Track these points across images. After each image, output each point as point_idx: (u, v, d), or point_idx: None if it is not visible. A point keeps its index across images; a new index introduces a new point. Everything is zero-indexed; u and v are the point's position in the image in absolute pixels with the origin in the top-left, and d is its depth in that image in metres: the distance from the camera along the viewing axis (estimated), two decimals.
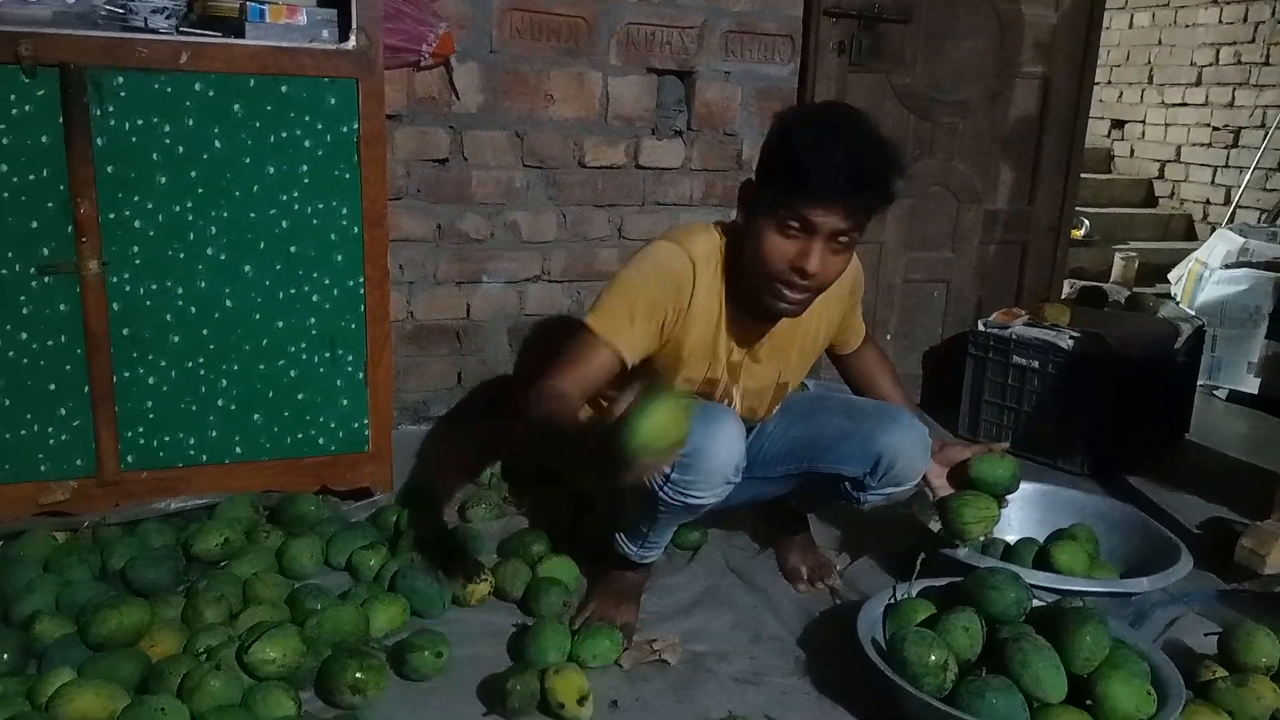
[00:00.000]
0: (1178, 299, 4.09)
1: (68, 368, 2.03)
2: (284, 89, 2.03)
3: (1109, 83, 6.26)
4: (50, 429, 2.05)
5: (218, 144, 2.02)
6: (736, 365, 1.81)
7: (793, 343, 1.84)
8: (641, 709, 1.70)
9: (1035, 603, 1.73)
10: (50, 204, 1.94)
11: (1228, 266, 3.89)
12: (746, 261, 1.64)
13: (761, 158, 1.65)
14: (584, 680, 1.62)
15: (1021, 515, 2.27)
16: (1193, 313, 3.49)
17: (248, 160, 2.05)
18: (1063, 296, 3.56)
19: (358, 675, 1.63)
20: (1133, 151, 6.27)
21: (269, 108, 2.03)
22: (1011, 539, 2.19)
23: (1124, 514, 2.27)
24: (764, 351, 1.82)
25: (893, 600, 1.80)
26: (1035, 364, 2.96)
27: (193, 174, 2.02)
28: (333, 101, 2.07)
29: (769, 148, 1.62)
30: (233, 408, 2.17)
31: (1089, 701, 1.54)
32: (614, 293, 1.68)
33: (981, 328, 3.09)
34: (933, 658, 1.57)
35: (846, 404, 1.96)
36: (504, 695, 1.60)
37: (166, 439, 2.14)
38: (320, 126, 2.07)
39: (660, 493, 1.64)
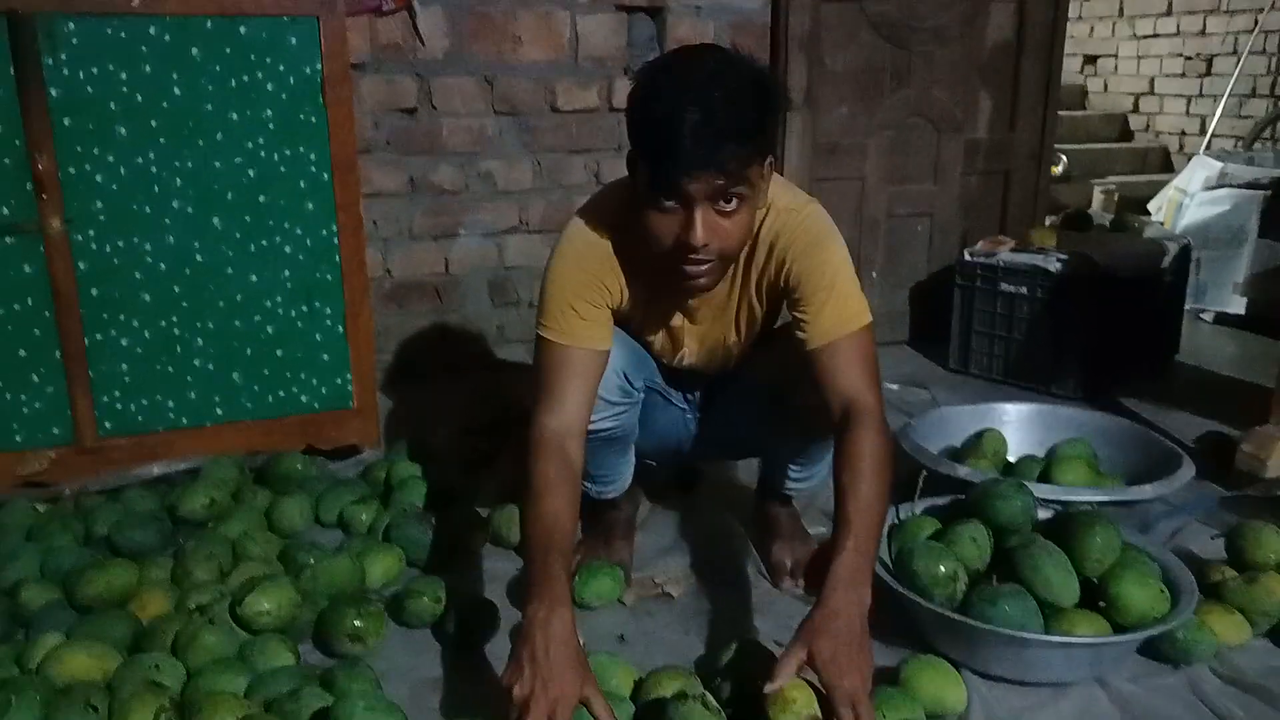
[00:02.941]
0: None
1: (37, 332, 1.97)
2: (243, 30, 1.96)
3: (1079, 18, 6.21)
4: (24, 397, 1.99)
5: (177, 91, 1.95)
6: (678, 330, 1.70)
7: (731, 304, 1.68)
8: (648, 642, 1.66)
9: (1041, 514, 1.71)
10: (7, 160, 1.87)
11: (1208, 189, 3.86)
12: (641, 240, 1.48)
13: (627, 124, 1.46)
14: None
15: (1020, 435, 2.25)
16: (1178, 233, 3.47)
17: (209, 107, 1.98)
18: (1047, 223, 3.53)
19: (356, 623, 1.59)
20: (1106, 86, 6.24)
21: (228, 50, 1.96)
22: (1012, 458, 2.17)
23: (1122, 427, 2.25)
24: (702, 315, 1.69)
25: (897, 520, 1.77)
26: (1024, 290, 2.93)
27: (153, 123, 1.95)
28: (294, 41, 2.00)
29: (627, 116, 1.44)
30: (210, 367, 2.11)
31: (1102, 604, 1.52)
32: (550, 295, 1.55)
33: (968, 257, 3.05)
34: (942, 569, 1.54)
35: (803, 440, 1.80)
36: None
37: (144, 402, 2.08)
38: (282, 69, 2.01)
39: None
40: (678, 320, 1.69)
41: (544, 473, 1.44)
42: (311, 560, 1.77)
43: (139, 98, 1.93)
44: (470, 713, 1.45)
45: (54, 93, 1.87)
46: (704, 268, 1.45)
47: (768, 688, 1.26)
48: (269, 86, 2.00)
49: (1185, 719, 1.44)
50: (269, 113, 2.01)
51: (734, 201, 1.39)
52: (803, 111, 3.07)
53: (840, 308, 1.52)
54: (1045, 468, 2.05)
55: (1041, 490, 1.81)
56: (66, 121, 1.89)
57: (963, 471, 1.95)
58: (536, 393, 1.54)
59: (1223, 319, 3.73)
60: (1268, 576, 1.66)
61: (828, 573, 1.33)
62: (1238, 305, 3.66)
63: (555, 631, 1.24)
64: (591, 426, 1.58)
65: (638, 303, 1.63)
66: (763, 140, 1.41)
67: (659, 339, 1.73)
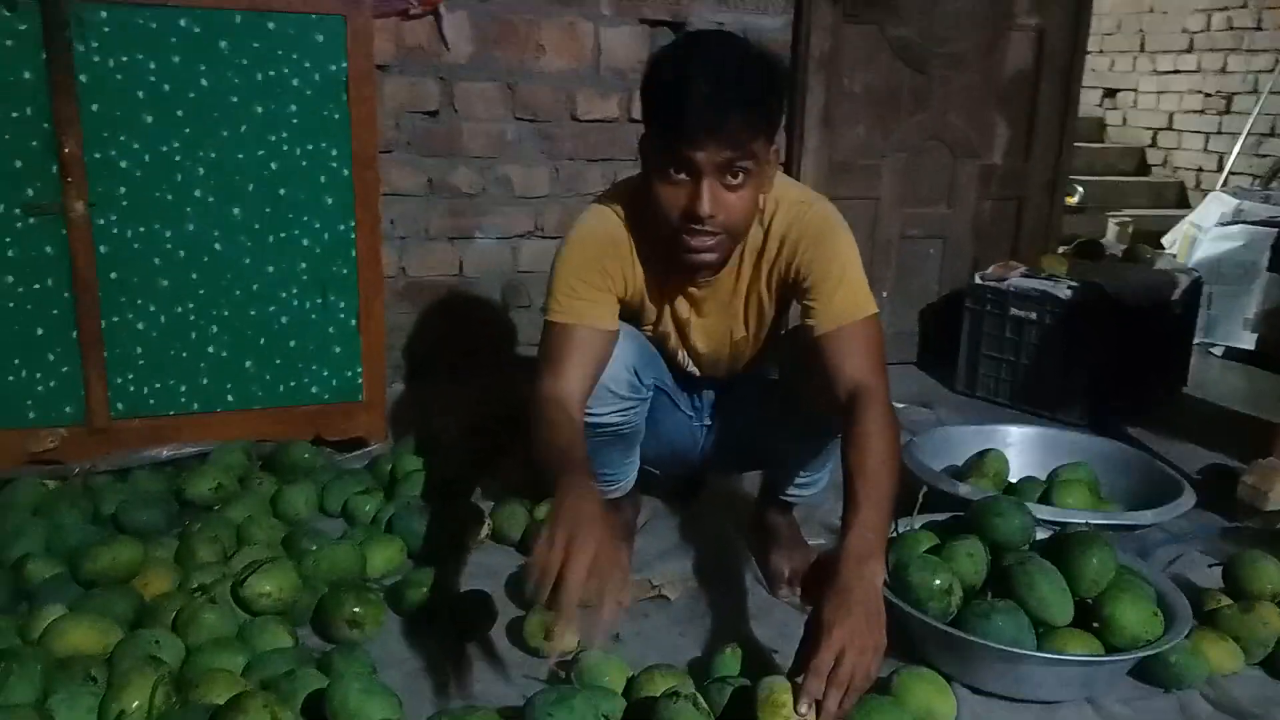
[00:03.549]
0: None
1: (55, 312, 2.00)
2: (271, 25, 2.00)
3: (1100, 51, 6.23)
4: (38, 375, 2.02)
5: (204, 82, 1.98)
6: (684, 321, 1.72)
7: (739, 296, 1.70)
8: (643, 642, 1.67)
9: (1040, 535, 1.71)
10: (34, 143, 1.90)
11: (1223, 225, 3.87)
12: (651, 221, 1.54)
13: (641, 105, 1.53)
14: (550, 617, 1.58)
15: (1022, 457, 2.26)
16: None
17: (235, 99, 2.01)
18: (1059, 252, 3.54)
19: (355, 609, 1.60)
20: (1125, 120, 6.26)
21: (256, 45, 2.00)
22: (1013, 479, 2.17)
23: (1124, 454, 2.26)
24: (709, 307, 1.71)
25: (895, 534, 1.78)
26: (1033, 315, 2.94)
27: (179, 113, 1.98)
28: (320, 39, 2.03)
29: (641, 92, 1.50)
30: (224, 354, 2.14)
31: (1095, 624, 1.53)
32: (556, 277, 1.59)
33: (979, 281, 3.07)
34: (937, 582, 1.55)
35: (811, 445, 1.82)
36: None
37: (157, 386, 2.11)
38: (308, 65, 2.04)
39: None
40: (685, 312, 1.71)
41: (549, 419, 1.47)
42: (314, 547, 1.79)
43: (166, 87, 1.96)
44: (464, 701, 1.47)
45: (83, 79, 1.90)
46: (710, 242, 1.49)
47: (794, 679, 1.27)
48: (294, 82, 2.04)
49: None
50: (293, 108, 2.05)
51: (740, 176, 1.44)
52: (819, 130, 3.09)
53: (849, 295, 1.55)
54: (1046, 490, 2.05)
55: (1041, 511, 1.82)
56: (94, 107, 1.92)
57: (963, 490, 1.96)
58: (539, 370, 1.56)
59: (1232, 354, 3.73)
60: (1263, 607, 1.66)
61: (839, 549, 1.33)
62: (1248, 341, 3.67)
63: (586, 508, 1.26)
64: (599, 419, 1.61)
65: (645, 293, 1.66)
66: (770, 118, 1.45)
67: (669, 334, 1.75)
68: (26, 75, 1.86)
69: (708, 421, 1.91)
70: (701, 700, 1.36)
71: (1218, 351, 3.77)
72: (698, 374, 1.83)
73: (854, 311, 1.55)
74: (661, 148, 1.45)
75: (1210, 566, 1.88)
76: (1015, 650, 1.46)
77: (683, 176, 1.44)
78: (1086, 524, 1.72)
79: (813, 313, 1.57)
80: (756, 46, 1.46)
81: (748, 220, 1.53)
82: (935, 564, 1.58)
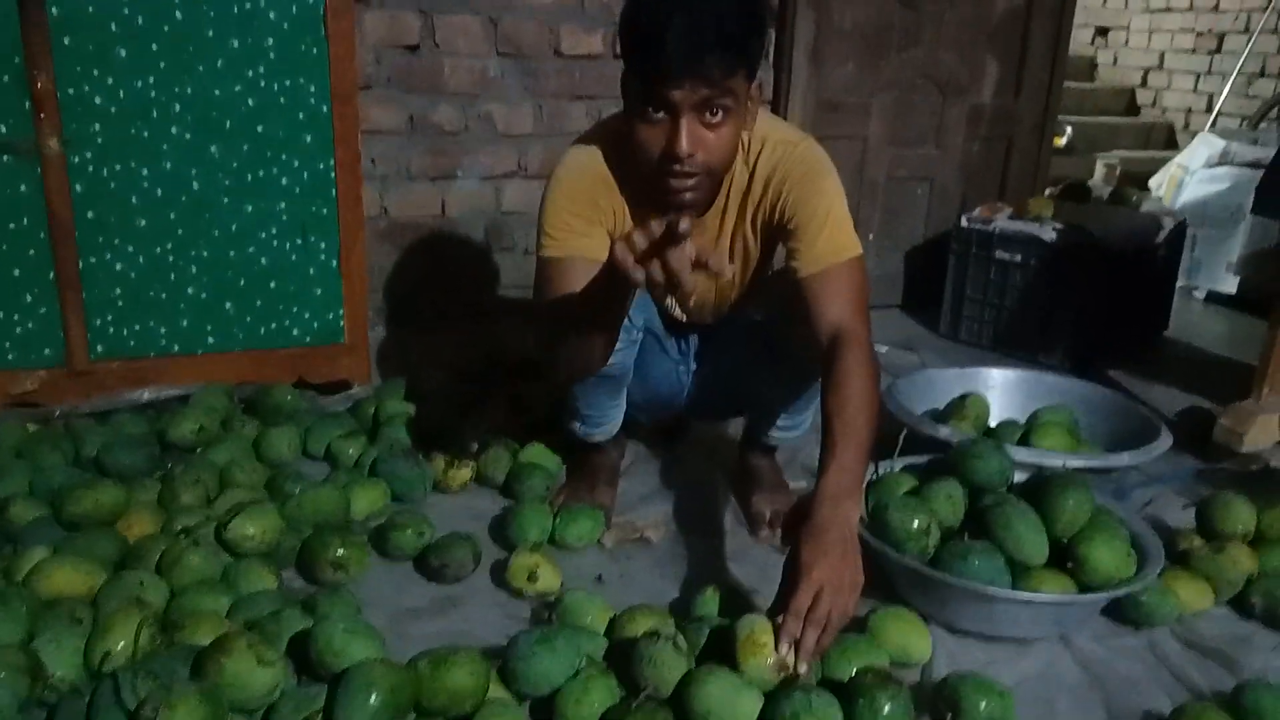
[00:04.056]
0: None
1: (31, 253, 1.97)
2: None
3: None
4: (16, 316, 2.00)
5: (178, 15, 1.94)
6: None
7: (725, 238, 1.69)
8: (625, 584, 1.70)
9: (1018, 477, 1.73)
10: (5, 77, 1.86)
11: (1209, 167, 3.86)
12: (633, 160, 1.52)
13: (620, 43, 1.51)
14: (532, 560, 1.61)
15: (1003, 400, 2.27)
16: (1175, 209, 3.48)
17: (210, 33, 1.97)
18: (1046, 194, 3.53)
19: (340, 551, 1.61)
20: (1116, 59, 6.19)
21: None
22: (994, 423, 2.19)
23: (1104, 396, 2.27)
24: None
25: (875, 476, 1.80)
26: (1017, 258, 2.94)
27: (154, 47, 1.94)
28: None
29: (619, 29, 1.48)
30: (203, 296, 2.12)
31: (1070, 564, 1.55)
32: (547, 215, 1.58)
33: (965, 223, 3.06)
34: (915, 523, 1.57)
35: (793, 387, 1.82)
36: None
37: (136, 328, 2.10)
38: None
39: None
40: None
41: (554, 306, 1.48)
42: (297, 489, 1.80)
43: (140, 20, 1.91)
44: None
45: (55, 11, 1.85)
46: (690, 181, 1.48)
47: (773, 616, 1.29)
48: (271, 15, 1.99)
49: (1145, 679, 1.48)
50: (270, 41, 2.00)
51: (719, 114, 1.43)
52: (808, 67, 3.05)
53: (834, 236, 1.55)
54: (1025, 432, 2.07)
55: (1019, 453, 1.84)
56: (66, 41, 1.87)
57: (943, 432, 1.98)
58: (537, 307, 1.55)
59: (1214, 297, 3.75)
60: (1234, 547, 1.70)
61: (815, 489, 1.35)
62: (1230, 284, 3.68)
63: None
64: None
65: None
66: (748, 54, 1.43)
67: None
68: None
69: (693, 365, 1.91)
70: (681, 640, 1.38)
71: (1200, 295, 3.79)
72: (684, 319, 1.83)
73: (838, 254, 1.55)
74: (639, 86, 1.43)
75: (1185, 508, 1.92)
76: (990, 590, 1.48)
77: (661, 115, 1.43)
78: (1064, 465, 1.74)
79: (797, 254, 1.57)
80: None
81: (728, 159, 1.52)
82: (914, 505, 1.61)
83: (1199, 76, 5.69)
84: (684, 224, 1.10)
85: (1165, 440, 1.99)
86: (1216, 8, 5.56)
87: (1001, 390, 2.31)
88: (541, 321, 1.57)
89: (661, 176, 1.47)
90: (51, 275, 1.99)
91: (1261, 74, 5.34)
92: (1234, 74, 5.34)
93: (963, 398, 2.22)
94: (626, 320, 1.67)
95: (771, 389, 1.85)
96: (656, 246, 1.14)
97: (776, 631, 1.28)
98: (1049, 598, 1.51)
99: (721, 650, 1.33)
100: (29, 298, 1.99)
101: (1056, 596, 1.51)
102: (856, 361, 1.44)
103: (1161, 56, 5.90)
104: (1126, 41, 6.12)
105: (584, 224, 1.58)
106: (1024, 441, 2.03)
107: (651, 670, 1.29)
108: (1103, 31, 6.25)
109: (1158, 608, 1.57)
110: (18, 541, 1.63)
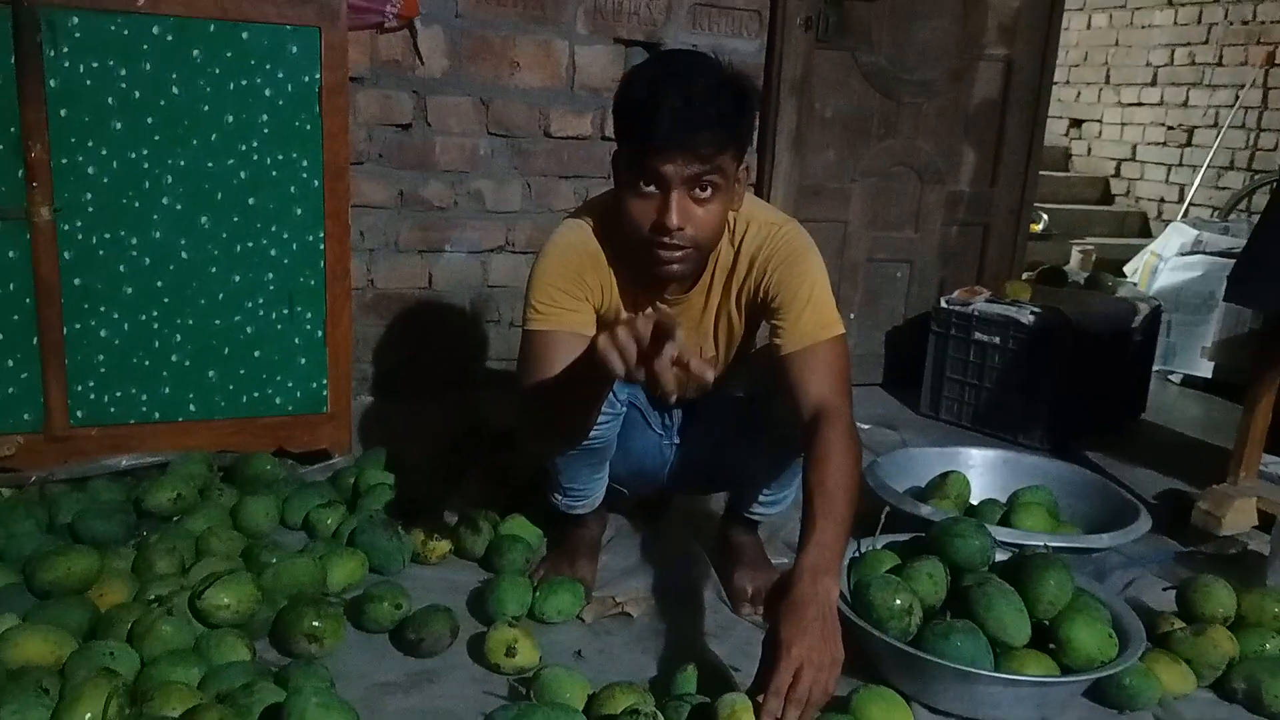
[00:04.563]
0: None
1: (16, 318, 1.97)
2: (245, 35, 1.99)
3: (1067, 82, 6.36)
4: None
5: (175, 90, 1.97)
6: None
7: (709, 315, 1.72)
8: (605, 659, 1.67)
9: (999, 556, 1.73)
10: (0, 147, 1.88)
11: (1183, 254, 3.95)
12: (622, 235, 1.56)
13: (614, 119, 1.56)
14: (510, 635, 1.59)
15: (984, 479, 2.28)
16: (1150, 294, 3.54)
17: (206, 108, 2.00)
18: (1024, 278, 3.59)
19: (315, 623, 1.59)
20: (1090, 150, 6.38)
21: (229, 54, 1.99)
22: (974, 501, 2.20)
23: (1083, 478, 2.29)
24: (680, 325, 1.71)
25: (858, 553, 1.79)
26: (996, 340, 2.98)
27: (149, 120, 1.97)
28: (294, 50, 2.03)
29: (614, 106, 1.53)
30: (187, 363, 2.12)
31: (1052, 646, 1.55)
32: (538, 288, 1.60)
33: (944, 305, 3.11)
34: (898, 602, 1.56)
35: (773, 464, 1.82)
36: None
37: (118, 394, 2.09)
38: (281, 75, 2.04)
39: None
40: None
41: (536, 386, 1.53)
42: (274, 559, 1.77)
43: (137, 94, 1.95)
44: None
45: (53, 83, 1.89)
46: (678, 254, 1.51)
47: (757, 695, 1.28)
48: (266, 92, 2.03)
49: None
50: (264, 117, 2.04)
51: (708, 190, 1.48)
52: (790, 153, 3.13)
53: (816, 315, 1.58)
54: (1006, 512, 2.07)
55: (1000, 533, 1.85)
56: (63, 112, 1.91)
57: (925, 510, 1.98)
58: (520, 379, 1.57)
59: (1190, 382, 3.80)
60: (1215, 630, 1.69)
61: (794, 565, 1.35)
62: (1205, 369, 3.73)
63: None
64: None
65: (620, 309, 1.67)
66: (738, 134, 1.48)
67: None
68: None
69: (677, 440, 1.92)
70: (661, 717, 1.36)
71: (1176, 379, 3.84)
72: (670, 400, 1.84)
73: (820, 332, 1.57)
74: (632, 160, 1.47)
75: (1165, 590, 1.92)
76: (973, 670, 1.47)
77: (652, 189, 1.47)
78: (1045, 546, 1.75)
79: (780, 332, 1.59)
80: (728, 65, 1.50)
81: (715, 234, 1.55)
82: (895, 584, 1.60)
83: (1170, 168, 5.87)
84: (677, 334, 1.15)
85: (1145, 522, 2.00)
86: (1186, 103, 5.76)
87: (982, 469, 2.32)
88: (524, 395, 1.59)
89: (650, 248, 1.51)
90: (35, 340, 1.99)
91: (1230, 167, 5.51)
92: (1204, 166, 5.51)
93: (943, 476, 2.22)
94: (610, 394, 1.68)
95: (754, 464, 1.85)
96: (640, 343, 1.17)
97: (757, 710, 1.27)
98: (1033, 679, 1.50)
99: None
100: (11, 362, 1.99)
101: (1040, 677, 1.50)
102: (838, 438, 1.46)
103: (1134, 148, 6.09)
104: (1100, 134, 6.31)
105: (571, 299, 1.60)
106: (1005, 521, 2.03)
107: None
108: (1077, 123, 6.46)
109: (1140, 691, 1.56)
110: None
